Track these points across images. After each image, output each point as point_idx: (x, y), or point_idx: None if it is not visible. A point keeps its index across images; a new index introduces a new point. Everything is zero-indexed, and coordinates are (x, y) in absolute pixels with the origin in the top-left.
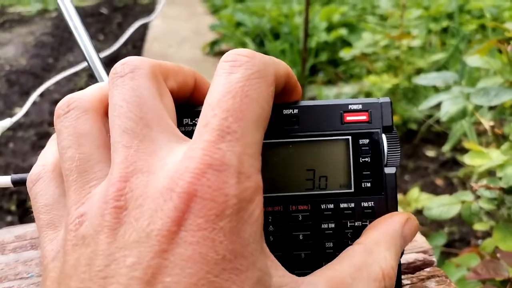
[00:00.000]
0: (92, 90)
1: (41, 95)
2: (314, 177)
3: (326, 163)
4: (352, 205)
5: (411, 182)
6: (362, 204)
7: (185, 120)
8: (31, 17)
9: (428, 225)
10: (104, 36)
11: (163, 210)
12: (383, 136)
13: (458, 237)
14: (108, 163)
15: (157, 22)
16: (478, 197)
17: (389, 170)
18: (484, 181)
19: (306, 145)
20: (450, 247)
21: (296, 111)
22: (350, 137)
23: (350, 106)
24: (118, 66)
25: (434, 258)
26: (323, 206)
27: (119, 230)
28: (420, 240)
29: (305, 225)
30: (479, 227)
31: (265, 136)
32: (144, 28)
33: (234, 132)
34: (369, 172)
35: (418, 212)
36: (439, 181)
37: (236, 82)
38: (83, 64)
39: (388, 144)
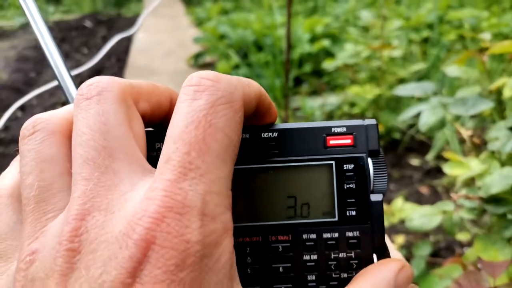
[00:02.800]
0: (62, 111)
1: (23, 109)
2: (295, 204)
3: (308, 190)
4: (336, 235)
5: (396, 191)
6: (347, 234)
7: (157, 145)
8: (14, 31)
9: (414, 234)
10: (88, 50)
11: (118, 259)
12: (369, 160)
13: (443, 245)
14: (70, 193)
15: (142, 34)
16: (459, 207)
17: (376, 197)
18: (463, 191)
19: (287, 171)
20: (436, 256)
21: (275, 134)
22: (333, 162)
23: (333, 129)
24: (84, 87)
25: None
26: (305, 236)
27: (70, 276)
28: (396, 257)
29: (285, 256)
30: (461, 236)
31: (242, 162)
32: (128, 40)
33: (198, 168)
34: (354, 200)
35: (402, 222)
36: (424, 190)
37: (199, 110)
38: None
39: (374, 169)
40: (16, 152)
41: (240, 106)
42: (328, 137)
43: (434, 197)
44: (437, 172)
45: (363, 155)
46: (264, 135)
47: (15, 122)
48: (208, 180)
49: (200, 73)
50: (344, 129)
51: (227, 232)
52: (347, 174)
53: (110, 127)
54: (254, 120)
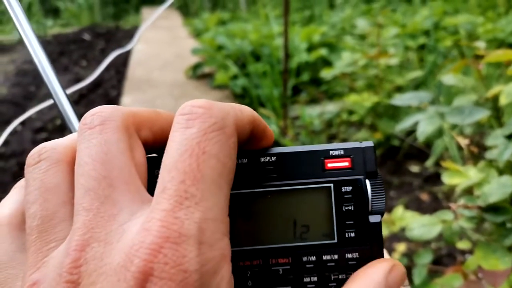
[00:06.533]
0: (67, 140)
1: (23, 123)
2: (295, 227)
3: (307, 213)
4: (336, 256)
5: (396, 198)
6: (346, 256)
7: (157, 171)
8: (12, 45)
9: (415, 242)
10: (87, 62)
11: None
12: (367, 182)
13: (445, 252)
14: (72, 222)
15: (140, 46)
16: (459, 215)
17: (374, 218)
18: (462, 201)
19: (286, 194)
20: (438, 263)
21: (274, 158)
22: (332, 185)
23: (331, 152)
24: (88, 116)
25: None
26: (304, 259)
27: None
28: None
29: (286, 279)
30: (462, 245)
31: (241, 186)
32: (127, 52)
33: (193, 196)
34: (352, 221)
35: (403, 230)
36: (424, 196)
37: (192, 139)
38: (67, 91)
39: (372, 190)
40: (18, 180)
41: (233, 131)
42: (326, 160)
43: (434, 204)
44: (437, 178)
45: (361, 177)
46: (262, 159)
47: (15, 137)
48: (203, 208)
49: (192, 102)
50: (342, 152)
51: (225, 258)
52: (345, 196)
53: (112, 157)
54: (251, 144)
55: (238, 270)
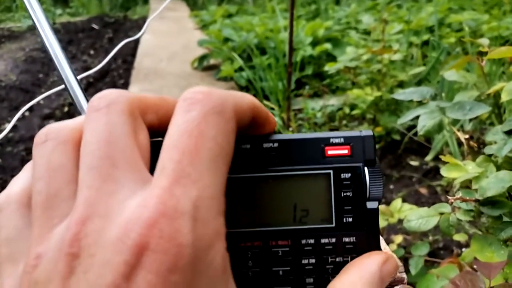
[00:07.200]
0: (74, 122)
1: (30, 109)
2: (295, 211)
3: (307, 198)
4: (333, 240)
5: (395, 191)
6: (344, 240)
7: None
8: (22, 33)
9: (412, 233)
10: (94, 51)
11: (113, 264)
12: (366, 170)
13: (442, 245)
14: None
15: (148, 37)
16: (456, 208)
17: (371, 204)
18: (459, 194)
19: (287, 179)
20: (434, 256)
21: (276, 144)
22: (331, 171)
23: (331, 140)
24: (95, 99)
25: (405, 275)
26: (303, 241)
27: (70, 279)
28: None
29: (285, 260)
30: (458, 237)
31: (244, 171)
32: (134, 43)
33: (190, 175)
34: (350, 207)
35: (401, 221)
36: (423, 190)
37: (192, 121)
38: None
39: (370, 178)
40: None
41: (232, 116)
42: (326, 147)
43: (433, 197)
44: (436, 172)
45: (360, 164)
46: (265, 145)
47: (23, 122)
48: (200, 186)
49: (194, 88)
50: (342, 140)
51: (219, 236)
52: (344, 182)
53: (116, 138)
54: (253, 130)
55: (239, 250)
